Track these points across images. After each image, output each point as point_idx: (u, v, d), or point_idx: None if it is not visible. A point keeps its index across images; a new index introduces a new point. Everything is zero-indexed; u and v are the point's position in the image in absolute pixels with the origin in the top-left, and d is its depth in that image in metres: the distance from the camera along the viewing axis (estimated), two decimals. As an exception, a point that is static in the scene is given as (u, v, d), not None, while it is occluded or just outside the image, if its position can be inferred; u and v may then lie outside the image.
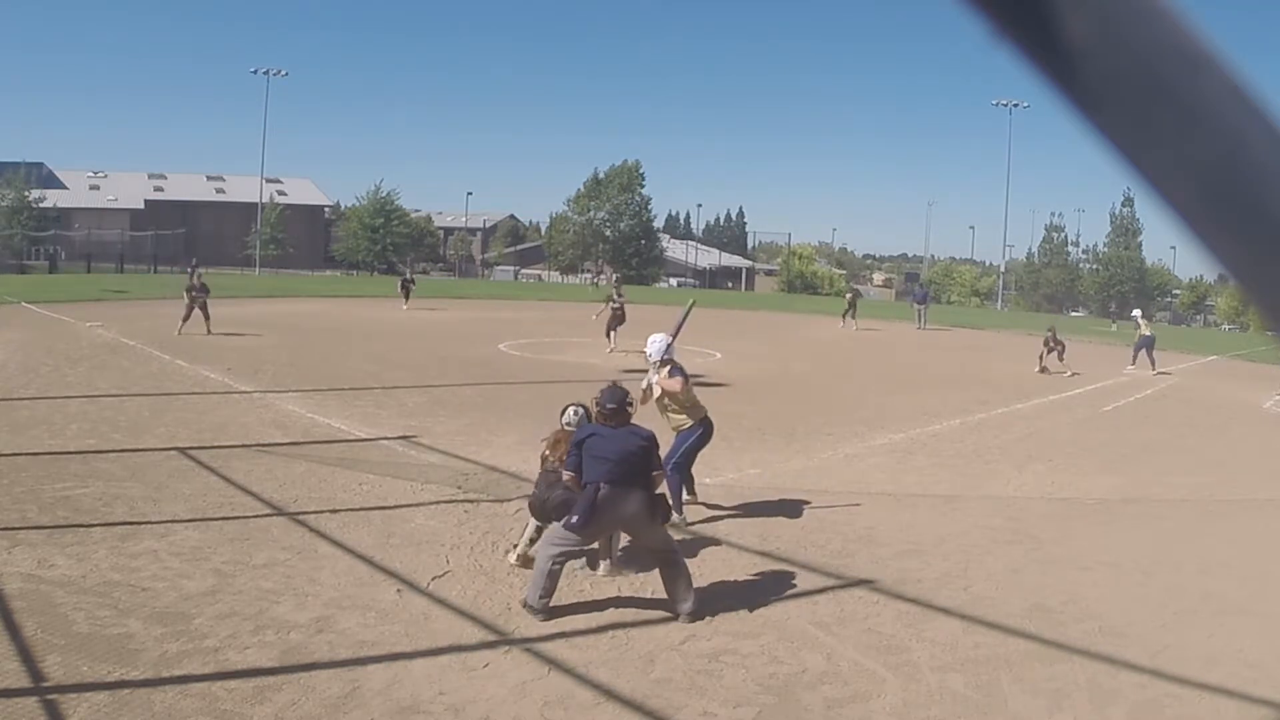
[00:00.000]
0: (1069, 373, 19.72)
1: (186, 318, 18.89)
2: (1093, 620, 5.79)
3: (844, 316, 29.18)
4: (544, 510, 6.08)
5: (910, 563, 6.78)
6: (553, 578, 5.50)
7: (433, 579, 5.99)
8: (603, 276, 62.04)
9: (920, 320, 30.74)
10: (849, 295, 30.79)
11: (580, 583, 6.05)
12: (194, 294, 19.16)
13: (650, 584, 6.06)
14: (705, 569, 6.38)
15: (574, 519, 5.50)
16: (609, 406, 5.80)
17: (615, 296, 19.77)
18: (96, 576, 5.68)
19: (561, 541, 5.56)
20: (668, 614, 5.57)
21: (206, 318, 19.09)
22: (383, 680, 4.60)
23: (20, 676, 4.42)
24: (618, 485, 5.51)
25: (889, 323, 33.18)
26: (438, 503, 7.72)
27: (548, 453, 6.32)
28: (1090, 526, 8.14)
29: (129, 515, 6.94)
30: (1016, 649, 5.33)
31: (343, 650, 4.91)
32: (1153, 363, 20.94)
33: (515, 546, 6.38)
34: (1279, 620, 5.95)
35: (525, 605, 5.52)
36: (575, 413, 6.46)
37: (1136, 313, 24.40)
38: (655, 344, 7.72)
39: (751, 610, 5.71)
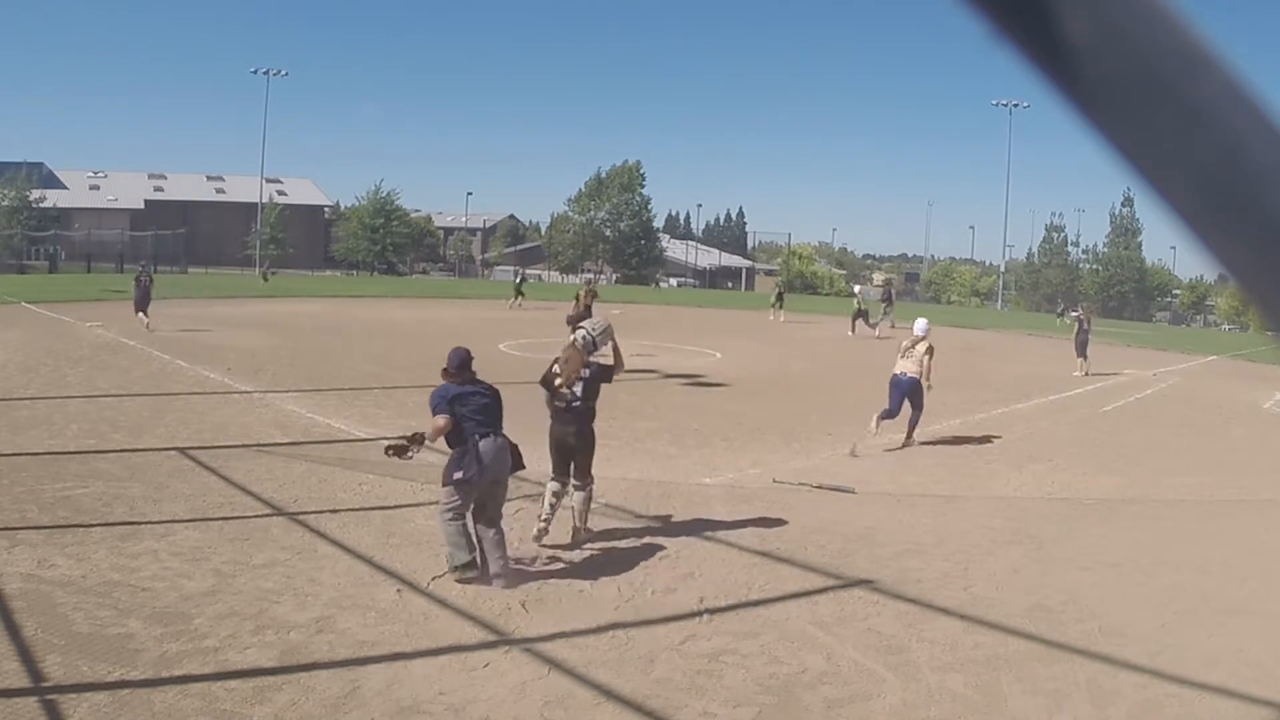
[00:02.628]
0: (1081, 370, 19.61)
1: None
2: (1093, 620, 5.78)
3: (773, 308, 31.52)
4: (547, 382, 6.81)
5: (910, 563, 6.78)
6: (462, 533, 5.86)
7: (433, 579, 5.98)
8: (603, 276, 61.99)
9: (886, 318, 31.39)
10: (777, 289, 34.24)
11: (580, 582, 6.05)
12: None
13: (650, 584, 6.07)
14: (705, 569, 6.38)
15: (458, 474, 5.84)
16: (455, 365, 6.19)
17: (583, 296, 18.59)
18: (96, 576, 5.68)
19: (449, 500, 5.89)
20: (668, 614, 5.58)
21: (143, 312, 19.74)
22: (383, 680, 4.60)
23: (20, 676, 4.42)
24: (489, 438, 5.93)
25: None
26: (438, 503, 7.70)
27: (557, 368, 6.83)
28: (1090, 526, 8.13)
29: (129, 515, 6.94)
30: (1016, 649, 5.32)
31: (343, 650, 4.90)
32: (872, 328, 25.87)
33: (540, 519, 6.68)
34: (1279, 620, 5.95)
35: (453, 569, 5.85)
36: (584, 337, 6.89)
37: (857, 289, 30.59)
38: (920, 324, 11.20)
39: (751, 610, 5.71)
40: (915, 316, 12.89)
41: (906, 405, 10.99)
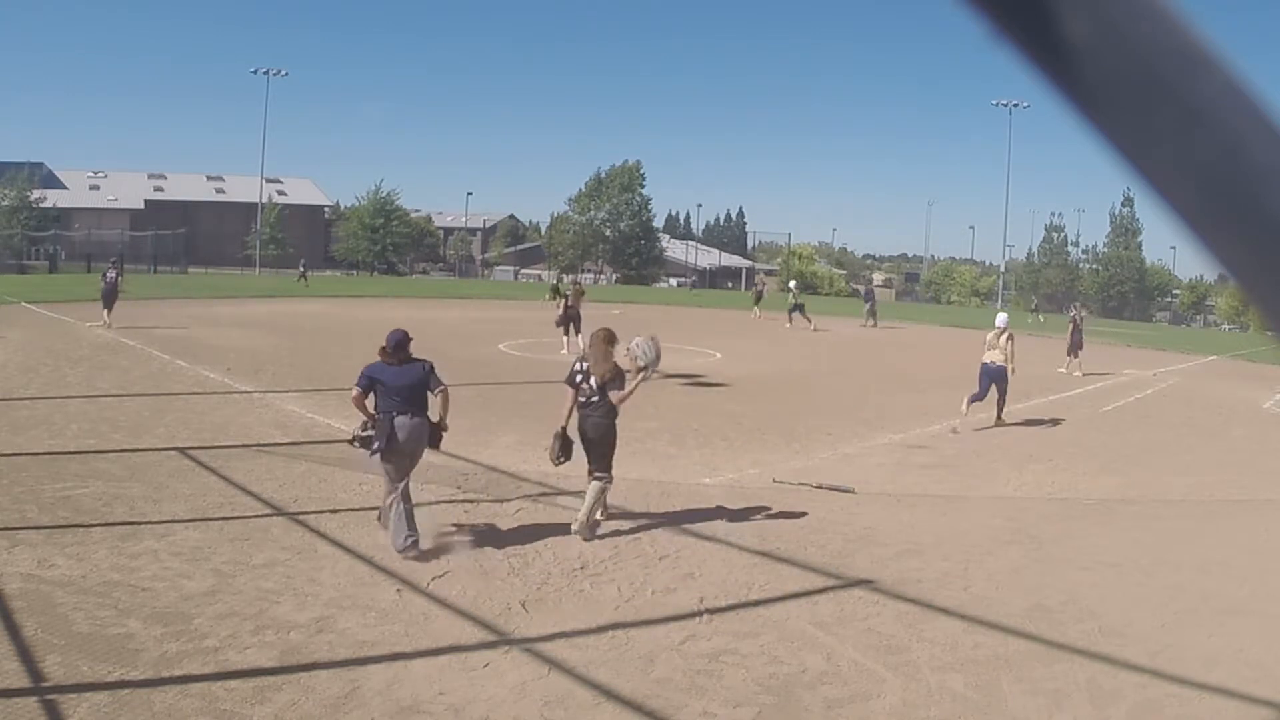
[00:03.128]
0: (1068, 369, 19.63)
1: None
2: (1093, 620, 5.78)
3: (755, 308, 32.41)
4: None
5: (910, 563, 6.78)
6: (402, 516, 6.26)
7: (433, 579, 5.99)
8: (602, 277, 61.99)
9: (869, 318, 31.97)
10: (757, 290, 35.63)
11: (580, 582, 6.05)
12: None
13: (650, 584, 6.07)
14: (705, 569, 6.38)
15: (376, 445, 6.33)
16: (391, 345, 6.48)
17: (570, 297, 18.84)
18: (96, 576, 5.68)
19: (388, 487, 6.35)
20: (668, 614, 5.58)
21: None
22: (383, 680, 4.60)
23: (20, 676, 4.42)
24: (406, 414, 6.39)
25: (892, 323, 33.29)
26: (438, 503, 7.71)
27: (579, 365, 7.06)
28: (1090, 526, 8.13)
29: (129, 515, 6.94)
30: (1016, 649, 5.33)
31: (343, 650, 4.91)
32: (790, 320, 27.62)
33: (578, 520, 6.84)
34: (1279, 620, 5.95)
35: (401, 551, 6.21)
36: (637, 348, 7.22)
37: (792, 284, 32.82)
38: (1001, 318, 12.92)
39: (751, 610, 5.71)
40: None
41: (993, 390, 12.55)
